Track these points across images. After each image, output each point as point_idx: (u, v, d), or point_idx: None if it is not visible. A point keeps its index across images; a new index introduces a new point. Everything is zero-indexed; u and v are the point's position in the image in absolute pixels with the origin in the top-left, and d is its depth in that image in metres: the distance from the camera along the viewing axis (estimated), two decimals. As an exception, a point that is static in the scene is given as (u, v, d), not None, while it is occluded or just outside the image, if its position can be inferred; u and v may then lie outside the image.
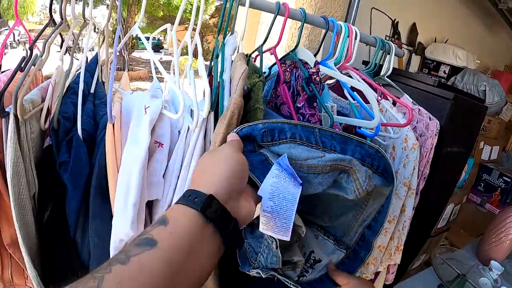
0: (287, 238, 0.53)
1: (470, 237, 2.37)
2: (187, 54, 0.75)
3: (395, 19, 2.35)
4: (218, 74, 0.72)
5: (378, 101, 0.99)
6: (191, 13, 0.79)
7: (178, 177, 0.72)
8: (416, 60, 2.77)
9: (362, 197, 0.62)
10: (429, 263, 1.85)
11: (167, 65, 0.89)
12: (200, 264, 0.44)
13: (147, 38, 0.92)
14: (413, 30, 2.57)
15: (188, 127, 0.71)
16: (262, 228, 0.54)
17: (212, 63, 0.81)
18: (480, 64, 3.17)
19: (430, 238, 1.99)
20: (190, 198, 0.46)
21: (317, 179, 0.61)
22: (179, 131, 0.75)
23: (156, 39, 16.40)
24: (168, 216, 0.44)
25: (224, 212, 0.47)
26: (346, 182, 0.63)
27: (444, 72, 2.66)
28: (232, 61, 0.78)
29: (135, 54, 13.53)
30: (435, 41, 2.80)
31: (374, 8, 2.14)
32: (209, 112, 0.69)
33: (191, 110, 0.75)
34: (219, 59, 0.76)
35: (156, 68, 0.84)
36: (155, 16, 12.14)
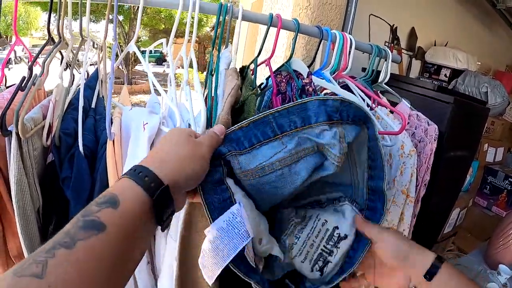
0: (209, 281, 0.52)
1: (477, 241, 2.34)
2: (190, 67, 0.76)
3: (393, 25, 2.36)
4: (212, 89, 0.73)
5: (372, 109, 0.99)
6: (191, 25, 0.81)
7: None
8: (416, 64, 2.77)
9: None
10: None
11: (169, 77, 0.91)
12: (141, 248, 0.44)
13: (150, 51, 0.94)
14: (412, 34, 2.58)
15: None
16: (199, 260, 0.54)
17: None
18: (481, 65, 3.17)
19: (437, 244, 1.97)
20: (141, 175, 0.44)
21: (293, 170, 0.59)
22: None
23: (159, 51, 16.58)
24: (118, 196, 0.41)
25: (169, 201, 0.46)
26: (322, 159, 0.60)
27: (445, 75, 2.66)
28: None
29: (138, 67, 13.65)
30: (435, 45, 2.81)
31: (372, 14, 2.15)
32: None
33: (189, 124, 0.77)
34: (214, 75, 0.77)
35: (161, 78, 0.86)
36: (157, 29, 12.27)
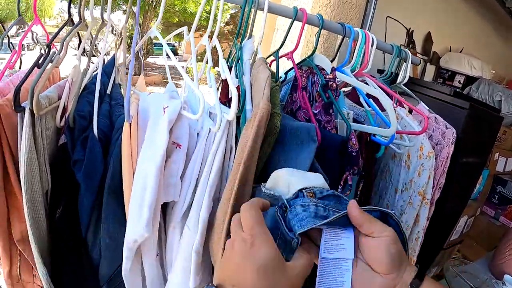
0: None
1: (483, 250, 2.31)
2: (201, 61, 0.75)
3: (410, 28, 2.34)
4: (242, 78, 0.72)
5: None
6: (206, 21, 0.79)
7: (197, 179, 0.71)
8: (430, 69, 2.75)
9: None
10: (441, 277, 1.82)
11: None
12: None
13: (166, 44, 0.93)
14: (428, 39, 2.55)
15: (210, 129, 0.70)
16: None
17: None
18: (495, 74, 3.14)
19: (443, 250, 1.95)
20: None
21: None
22: (197, 133, 0.74)
23: (171, 45, 16.55)
24: None
25: None
26: None
27: (459, 82, 2.64)
28: (251, 65, 0.77)
29: (150, 59, 13.67)
30: (450, 51, 2.78)
31: (389, 16, 2.13)
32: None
33: (210, 112, 0.75)
34: (240, 62, 0.76)
35: (172, 72, 0.85)
36: (170, 22, 12.32)
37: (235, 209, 0.60)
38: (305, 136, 0.67)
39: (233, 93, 0.63)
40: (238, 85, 0.72)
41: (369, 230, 0.51)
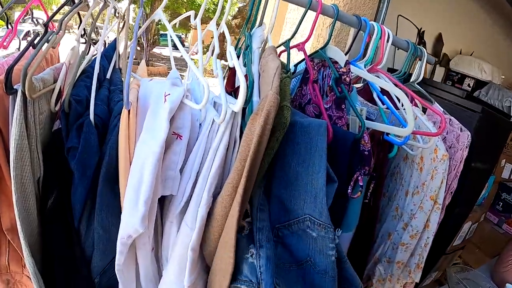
0: None
1: (485, 256, 2.29)
2: (207, 52, 0.71)
3: (421, 28, 2.30)
4: (250, 67, 0.67)
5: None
6: (214, 13, 0.76)
7: (198, 172, 0.67)
8: (440, 71, 2.71)
9: None
10: (440, 281, 1.80)
11: (186, 63, 0.87)
12: None
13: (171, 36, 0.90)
14: (439, 40, 2.51)
15: (213, 120, 0.66)
16: None
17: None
18: (505, 79, 3.10)
19: (445, 255, 1.92)
20: None
21: None
22: (200, 124, 0.70)
23: (178, 36, 16.50)
24: None
25: None
26: None
27: (469, 85, 2.60)
28: (260, 54, 0.73)
29: (156, 50, 13.65)
30: (461, 53, 2.74)
31: (401, 15, 2.10)
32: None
33: (214, 102, 0.71)
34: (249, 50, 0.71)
35: (177, 63, 0.80)
36: (177, 13, 12.34)
37: (241, 207, 0.58)
38: (316, 133, 0.62)
39: (241, 83, 0.59)
40: (246, 74, 0.67)
41: None
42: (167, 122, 0.61)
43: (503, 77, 2.92)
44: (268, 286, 0.56)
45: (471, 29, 2.75)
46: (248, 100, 0.62)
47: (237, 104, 0.60)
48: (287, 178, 0.65)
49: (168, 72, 0.80)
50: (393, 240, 1.02)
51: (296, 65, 0.93)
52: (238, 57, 0.80)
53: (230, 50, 0.68)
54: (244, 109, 0.67)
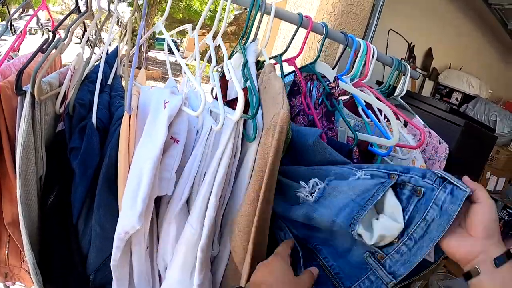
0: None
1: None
2: (201, 59, 0.75)
3: (411, 43, 2.36)
4: (254, 84, 0.72)
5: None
6: (210, 19, 0.80)
7: (195, 176, 0.72)
8: (429, 85, 2.77)
9: None
10: (425, 291, 1.82)
11: (181, 68, 0.91)
12: None
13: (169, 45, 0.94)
14: (428, 55, 2.58)
15: (211, 127, 0.71)
16: None
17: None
18: (493, 94, 3.18)
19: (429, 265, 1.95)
20: None
21: None
22: (197, 130, 0.75)
23: (173, 41, 16.44)
24: None
25: None
26: None
27: (456, 99, 2.67)
28: (256, 68, 0.78)
29: (151, 54, 13.62)
30: (450, 68, 2.81)
31: (392, 30, 2.15)
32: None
33: (210, 111, 0.76)
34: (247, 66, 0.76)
35: (172, 68, 0.85)
36: (174, 18, 12.29)
37: (263, 216, 0.63)
38: (313, 140, 0.68)
39: (240, 96, 0.63)
40: (244, 88, 0.72)
41: (476, 196, 0.55)
42: (166, 127, 0.66)
43: (491, 91, 2.99)
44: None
45: (461, 44, 2.81)
46: (255, 114, 0.66)
47: (236, 115, 0.65)
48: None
49: (162, 76, 0.85)
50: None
51: (284, 77, 0.98)
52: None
53: (228, 64, 0.73)
54: (244, 121, 0.72)
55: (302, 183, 0.65)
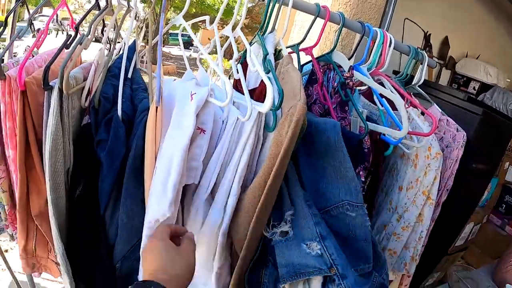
0: None
1: (487, 258, 2.30)
2: (214, 53, 0.76)
3: (427, 31, 2.33)
4: (277, 78, 0.72)
5: (405, 109, 0.99)
6: (224, 14, 0.81)
7: (222, 164, 0.73)
8: (446, 74, 2.73)
9: None
10: (443, 282, 1.82)
11: (195, 62, 0.92)
12: None
13: (181, 35, 0.96)
14: (445, 43, 2.54)
15: (237, 118, 0.72)
16: None
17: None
18: (511, 82, 3.11)
19: (447, 256, 1.95)
20: None
21: None
22: (223, 121, 0.76)
23: (187, 35, 16.41)
24: None
25: None
26: None
27: (474, 88, 2.62)
28: (275, 59, 0.79)
29: (165, 49, 13.70)
30: (467, 56, 2.76)
31: (407, 18, 2.13)
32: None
33: (233, 102, 0.77)
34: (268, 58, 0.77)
35: (189, 61, 0.86)
36: (187, 13, 12.29)
37: (268, 199, 0.65)
38: (331, 132, 0.69)
39: (268, 89, 0.64)
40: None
41: None
42: (194, 118, 0.67)
43: (509, 80, 2.93)
44: (345, 267, 0.64)
45: (477, 32, 2.76)
46: (278, 107, 0.67)
47: (265, 106, 0.65)
48: (317, 174, 0.72)
49: (177, 71, 0.86)
50: (388, 231, 1.09)
51: (302, 66, 0.99)
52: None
53: (252, 58, 0.74)
54: None
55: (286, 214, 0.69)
